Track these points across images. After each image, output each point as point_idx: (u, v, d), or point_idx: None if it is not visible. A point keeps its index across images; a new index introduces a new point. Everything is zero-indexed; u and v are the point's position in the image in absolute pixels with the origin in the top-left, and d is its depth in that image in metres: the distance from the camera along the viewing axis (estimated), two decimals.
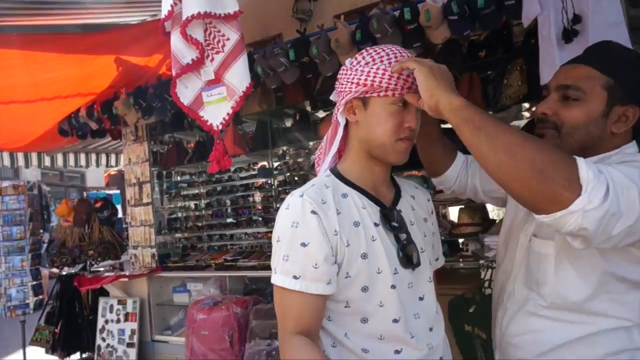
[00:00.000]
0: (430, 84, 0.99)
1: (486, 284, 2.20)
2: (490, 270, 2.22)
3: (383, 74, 1.06)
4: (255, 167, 4.59)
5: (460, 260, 3.20)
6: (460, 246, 3.43)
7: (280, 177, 4.23)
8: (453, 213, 3.84)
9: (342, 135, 1.17)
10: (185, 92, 1.69)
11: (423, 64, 1.02)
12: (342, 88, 1.12)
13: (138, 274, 4.23)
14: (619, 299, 1.01)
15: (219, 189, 4.69)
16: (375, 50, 1.11)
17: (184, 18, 1.60)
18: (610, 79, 1.04)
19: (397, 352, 1.07)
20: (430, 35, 2.83)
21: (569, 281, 1.04)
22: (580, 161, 0.85)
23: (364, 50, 1.13)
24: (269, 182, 4.37)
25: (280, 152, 4.25)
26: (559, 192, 0.82)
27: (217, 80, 1.68)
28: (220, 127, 1.73)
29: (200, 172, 4.72)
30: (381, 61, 1.08)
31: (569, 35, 2.20)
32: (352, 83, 1.10)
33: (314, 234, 1.03)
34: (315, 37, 3.24)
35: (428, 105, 1.01)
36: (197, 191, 4.89)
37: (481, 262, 2.33)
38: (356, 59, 1.13)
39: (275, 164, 4.24)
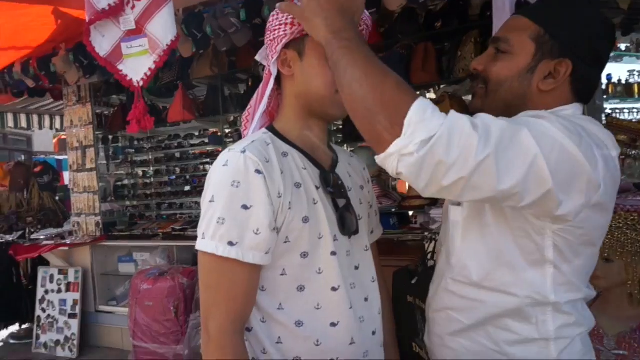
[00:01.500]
0: (310, 4, 0.90)
1: (429, 256, 2.20)
2: (433, 242, 2.22)
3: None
4: (206, 134, 4.42)
5: (409, 232, 3.22)
6: (410, 219, 3.45)
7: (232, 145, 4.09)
8: (402, 185, 3.85)
9: (273, 89, 1.07)
10: (102, 41, 1.52)
11: None
12: (274, 35, 1.01)
13: (80, 242, 4.04)
14: (521, 275, 0.92)
15: (171, 155, 4.51)
16: None
17: None
18: (541, 29, 0.93)
19: (333, 324, 1.00)
20: (385, 1, 2.73)
21: (472, 252, 0.97)
22: (417, 104, 0.78)
23: None
24: (221, 149, 4.23)
25: (232, 118, 4.10)
26: (381, 133, 0.79)
27: (138, 31, 1.52)
28: (141, 83, 1.57)
29: (149, 138, 4.51)
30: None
31: (521, 6, 2.15)
32: (286, 24, 0.99)
33: (259, 196, 0.92)
34: None
35: (307, 29, 0.94)
36: (145, 157, 4.68)
37: (425, 234, 2.33)
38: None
39: (227, 131, 4.09)
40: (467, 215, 0.99)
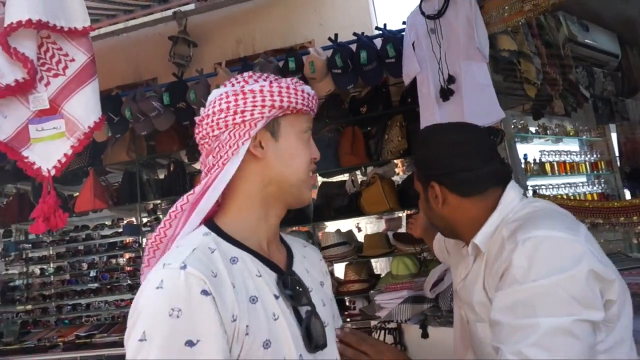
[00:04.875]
0: None
1: None
2: (382, 332, 2.08)
3: (296, 92, 0.89)
4: (120, 224, 4.02)
5: (348, 319, 3.04)
6: (347, 304, 3.29)
7: (150, 235, 3.73)
8: (339, 270, 3.72)
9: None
10: (3, 122, 1.26)
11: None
12: (244, 117, 0.87)
13: None
14: None
15: (77, 248, 3.98)
16: (255, 73, 0.93)
17: (6, 24, 1.22)
18: (417, 170, 1.17)
19: None
20: (314, 87, 2.78)
21: None
22: None
23: (239, 76, 0.92)
24: (137, 240, 3.83)
25: (151, 206, 3.78)
26: None
27: (52, 111, 1.30)
28: (53, 171, 1.33)
29: (49, 230, 3.97)
30: (277, 80, 0.90)
31: (445, 94, 2.29)
32: (263, 106, 0.87)
33: (208, 326, 0.73)
34: (193, 82, 3.01)
35: None
36: (45, 253, 4.10)
37: (373, 323, 2.19)
38: (242, 82, 0.90)
39: (145, 220, 3.75)
40: None
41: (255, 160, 0.90)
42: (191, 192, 0.89)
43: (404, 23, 2.55)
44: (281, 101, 0.88)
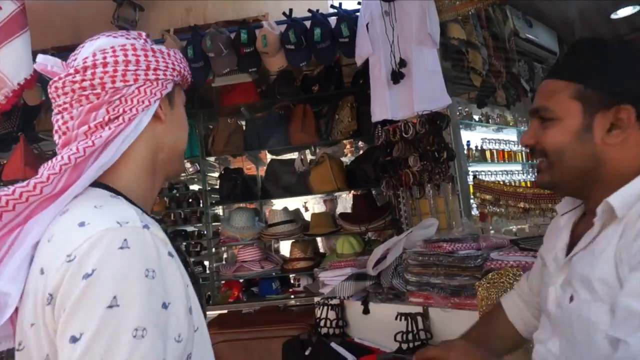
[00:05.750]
0: None
1: (322, 323, 2.09)
2: (325, 308, 2.12)
3: (187, 65, 0.92)
4: None
5: (292, 296, 3.08)
6: (292, 281, 3.33)
7: None
8: (284, 247, 3.74)
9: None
10: None
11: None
12: (158, 75, 0.83)
13: None
14: None
15: None
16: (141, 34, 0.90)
17: None
18: (580, 85, 0.87)
19: None
20: (266, 62, 2.73)
21: None
22: None
23: (126, 32, 0.87)
24: None
25: None
26: None
27: None
28: None
29: None
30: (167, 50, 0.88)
31: (396, 76, 2.33)
32: (173, 69, 0.86)
33: (177, 289, 0.70)
34: None
35: None
36: None
37: (316, 299, 2.22)
38: (140, 39, 0.87)
39: None
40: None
41: (156, 124, 0.85)
42: (90, 143, 0.76)
43: (359, 3, 2.54)
44: (183, 69, 0.89)
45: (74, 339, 0.62)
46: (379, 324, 1.91)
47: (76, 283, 0.64)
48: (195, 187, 3.66)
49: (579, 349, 0.86)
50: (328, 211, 3.76)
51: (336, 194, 3.75)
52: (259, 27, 2.70)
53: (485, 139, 3.76)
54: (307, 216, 3.50)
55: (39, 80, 2.76)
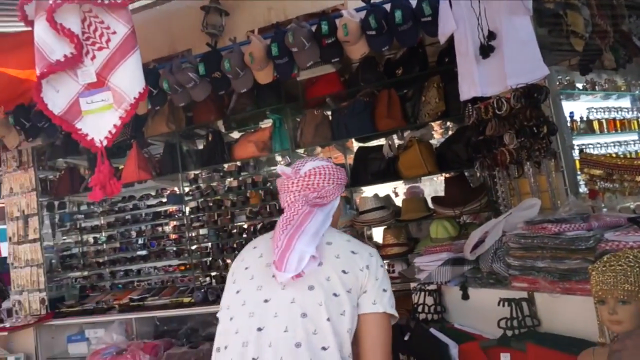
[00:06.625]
0: None
1: (419, 309, 2.07)
2: (422, 294, 2.10)
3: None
4: (164, 194, 4.17)
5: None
6: (386, 267, 3.33)
7: (193, 204, 3.87)
8: (377, 234, 3.74)
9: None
10: (56, 97, 1.33)
11: None
12: (340, 182, 1.46)
13: (22, 324, 3.58)
14: None
15: (125, 218, 4.18)
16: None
17: (51, 0, 1.26)
18: None
19: None
20: (348, 50, 2.74)
21: None
22: None
23: (318, 158, 1.50)
24: (181, 209, 3.98)
25: (192, 175, 3.90)
26: None
27: (100, 84, 1.35)
28: (105, 142, 1.40)
29: (100, 201, 4.18)
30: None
31: (485, 51, 2.19)
32: (345, 180, 1.49)
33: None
34: (227, 51, 3.02)
35: None
36: (96, 223, 4.33)
37: (412, 285, 2.21)
38: (326, 160, 1.50)
39: (187, 189, 3.88)
40: None
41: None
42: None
43: None
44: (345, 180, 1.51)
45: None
46: (479, 309, 1.85)
47: None
48: None
49: None
50: (413, 197, 3.67)
51: (423, 178, 3.63)
52: (338, 17, 2.71)
53: (592, 108, 3.39)
54: (398, 201, 3.46)
55: None
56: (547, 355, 1.48)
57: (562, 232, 1.56)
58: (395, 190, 4.58)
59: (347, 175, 1.52)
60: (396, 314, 1.29)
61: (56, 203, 4.30)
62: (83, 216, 4.33)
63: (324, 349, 1.18)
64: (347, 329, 1.22)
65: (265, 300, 1.26)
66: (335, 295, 1.23)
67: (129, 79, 1.35)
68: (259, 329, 1.21)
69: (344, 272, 1.26)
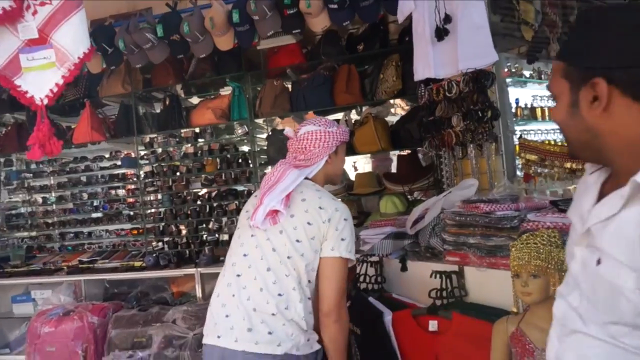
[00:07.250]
0: None
1: (361, 279, 2.18)
2: (365, 264, 2.21)
3: (345, 132, 1.85)
4: (119, 156, 4.08)
5: None
6: None
7: (147, 168, 3.81)
8: None
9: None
10: None
11: None
12: (328, 145, 1.77)
13: None
14: None
15: (80, 179, 4.07)
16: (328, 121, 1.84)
17: None
18: (565, 64, 0.90)
19: None
20: (310, 22, 2.73)
21: None
22: None
23: (317, 121, 1.81)
24: (136, 173, 3.92)
25: (147, 139, 3.82)
26: None
27: (42, 41, 1.32)
28: (45, 100, 1.37)
29: (50, 161, 4.04)
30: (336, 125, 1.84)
31: (440, 33, 2.25)
32: (336, 140, 1.79)
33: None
34: (187, 13, 2.94)
35: None
36: (46, 182, 4.20)
37: (356, 256, 2.31)
38: (321, 124, 1.80)
39: (142, 153, 3.81)
40: None
41: (327, 164, 1.80)
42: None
43: None
44: (344, 137, 1.81)
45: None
46: (415, 281, 1.97)
47: None
48: (244, 148, 3.80)
49: (599, 308, 0.88)
50: (372, 171, 3.77)
51: (391, 153, 3.72)
52: None
53: (537, 96, 3.55)
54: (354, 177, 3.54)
55: (99, 50, 2.95)
56: (468, 322, 1.62)
57: (492, 211, 1.68)
58: (355, 165, 4.67)
59: (347, 135, 1.82)
60: (353, 258, 1.67)
61: (2, 160, 4.13)
62: (31, 175, 4.19)
63: (286, 275, 1.62)
64: (304, 265, 1.63)
65: (252, 235, 1.72)
66: (297, 241, 1.64)
67: (73, 38, 1.32)
68: (244, 255, 1.70)
69: (308, 223, 1.65)
